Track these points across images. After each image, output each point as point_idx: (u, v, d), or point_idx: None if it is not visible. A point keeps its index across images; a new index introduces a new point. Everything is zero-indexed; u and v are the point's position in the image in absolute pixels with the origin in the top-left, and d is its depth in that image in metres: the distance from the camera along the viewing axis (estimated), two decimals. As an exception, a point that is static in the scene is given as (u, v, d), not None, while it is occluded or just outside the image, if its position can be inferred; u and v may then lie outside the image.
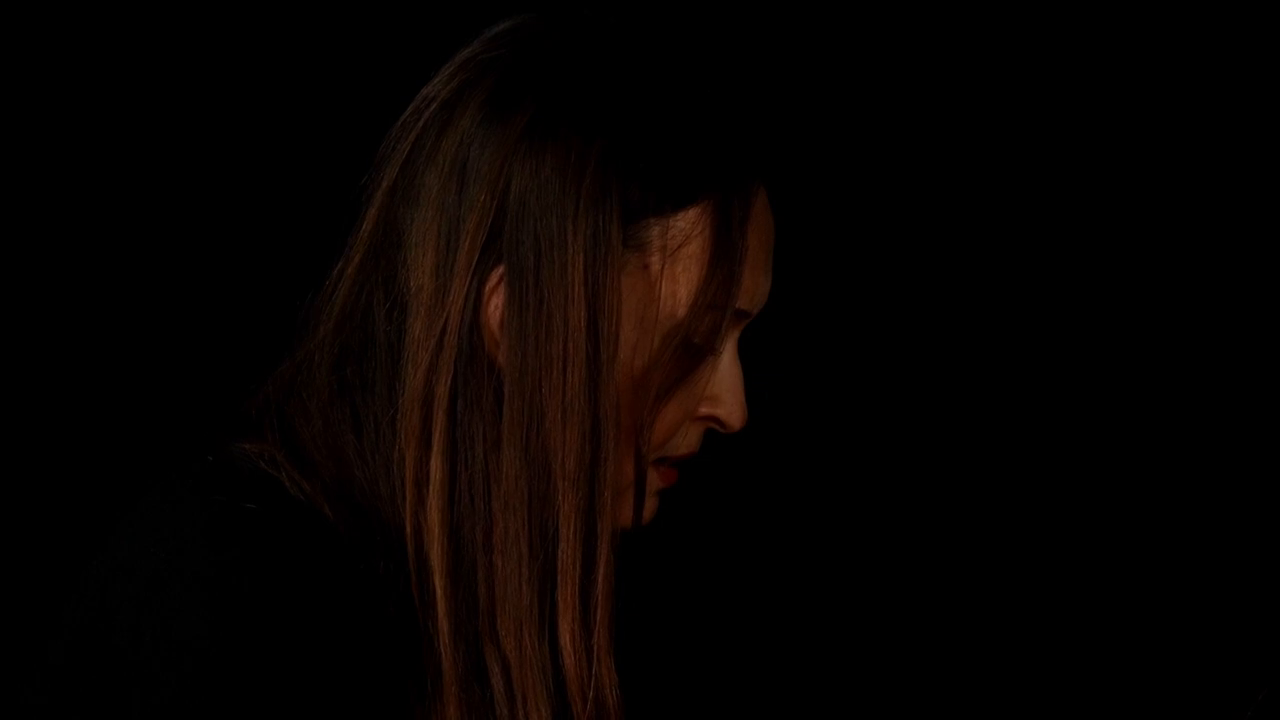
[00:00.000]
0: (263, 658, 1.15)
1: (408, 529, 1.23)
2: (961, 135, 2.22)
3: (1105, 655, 2.23)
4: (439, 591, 1.22)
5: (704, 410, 1.29)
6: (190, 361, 2.06)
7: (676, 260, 1.24)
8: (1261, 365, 2.17)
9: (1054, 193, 2.22)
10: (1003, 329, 2.25)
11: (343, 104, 1.98)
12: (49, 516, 2.03)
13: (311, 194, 1.57)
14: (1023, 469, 2.25)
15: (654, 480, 1.30)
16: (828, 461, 2.27)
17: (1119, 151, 2.20)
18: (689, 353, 1.26)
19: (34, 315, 2.06)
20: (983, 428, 2.25)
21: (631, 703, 1.26)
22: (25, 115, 2.05)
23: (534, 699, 1.22)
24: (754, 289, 1.27)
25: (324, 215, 1.31)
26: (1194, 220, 2.19)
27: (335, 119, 1.98)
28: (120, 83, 2.06)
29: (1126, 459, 2.22)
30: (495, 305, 1.23)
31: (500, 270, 1.22)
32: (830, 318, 2.25)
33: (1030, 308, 2.24)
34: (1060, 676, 2.23)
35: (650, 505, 1.31)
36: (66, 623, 1.19)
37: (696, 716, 2.19)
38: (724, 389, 1.29)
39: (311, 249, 1.32)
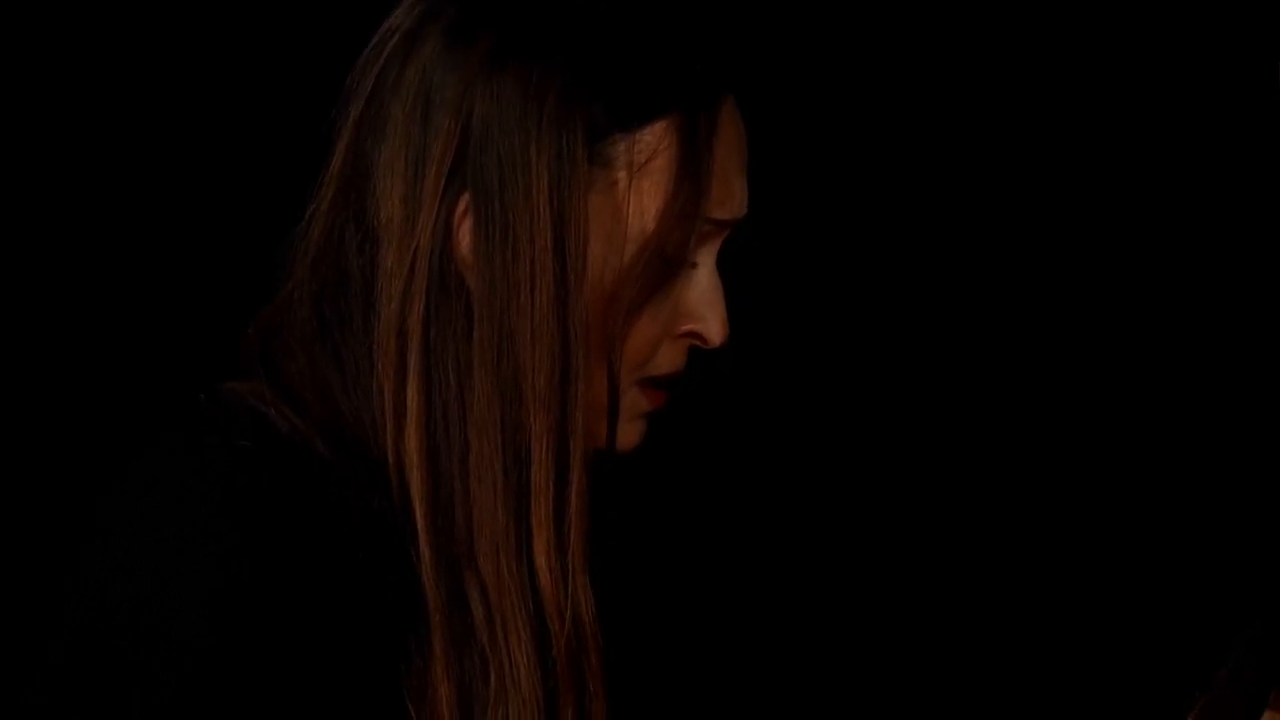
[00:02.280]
0: (264, 650, 1.16)
1: (389, 460, 1.24)
2: (962, 128, 2.23)
3: (1092, 600, 2.25)
4: (420, 521, 1.23)
5: (684, 326, 1.29)
6: (176, 310, 2.07)
7: (644, 175, 1.25)
8: (1260, 365, 2.18)
9: (1053, 188, 2.23)
10: (999, 323, 2.26)
11: (311, 40, 1.98)
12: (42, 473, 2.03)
13: (286, 136, 1.57)
14: (1013, 455, 2.27)
15: (640, 402, 1.30)
16: (811, 409, 2.28)
17: (1117, 152, 2.21)
18: (663, 266, 1.26)
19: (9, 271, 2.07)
20: (978, 418, 2.27)
21: (610, 626, 1.27)
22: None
23: (513, 622, 1.23)
24: (726, 198, 1.28)
25: (298, 157, 1.32)
26: (1193, 221, 2.20)
27: (304, 53, 1.97)
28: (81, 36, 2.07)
29: (1118, 447, 2.24)
30: (465, 231, 1.23)
31: (468, 196, 1.23)
32: (828, 309, 2.26)
33: (1027, 300, 2.25)
34: (1047, 633, 2.25)
35: (636, 429, 1.31)
36: (66, 623, 1.19)
37: (672, 638, 2.20)
38: (702, 303, 1.29)
39: (289, 190, 1.32)
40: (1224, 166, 2.17)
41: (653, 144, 1.25)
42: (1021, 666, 2.27)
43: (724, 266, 1.31)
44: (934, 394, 2.27)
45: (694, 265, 1.28)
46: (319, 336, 1.27)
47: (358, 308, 1.26)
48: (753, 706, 2.28)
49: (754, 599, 2.28)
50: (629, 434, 1.30)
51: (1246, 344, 2.19)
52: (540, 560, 1.23)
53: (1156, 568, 2.23)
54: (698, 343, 1.30)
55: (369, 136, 1.26)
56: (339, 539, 1.20)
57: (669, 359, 1.30)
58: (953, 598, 2.29)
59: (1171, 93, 2.18)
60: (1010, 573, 2.28)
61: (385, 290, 1.24)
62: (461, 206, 1.23)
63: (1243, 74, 2.10)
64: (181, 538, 1.16)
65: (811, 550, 2.29)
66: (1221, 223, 2.19)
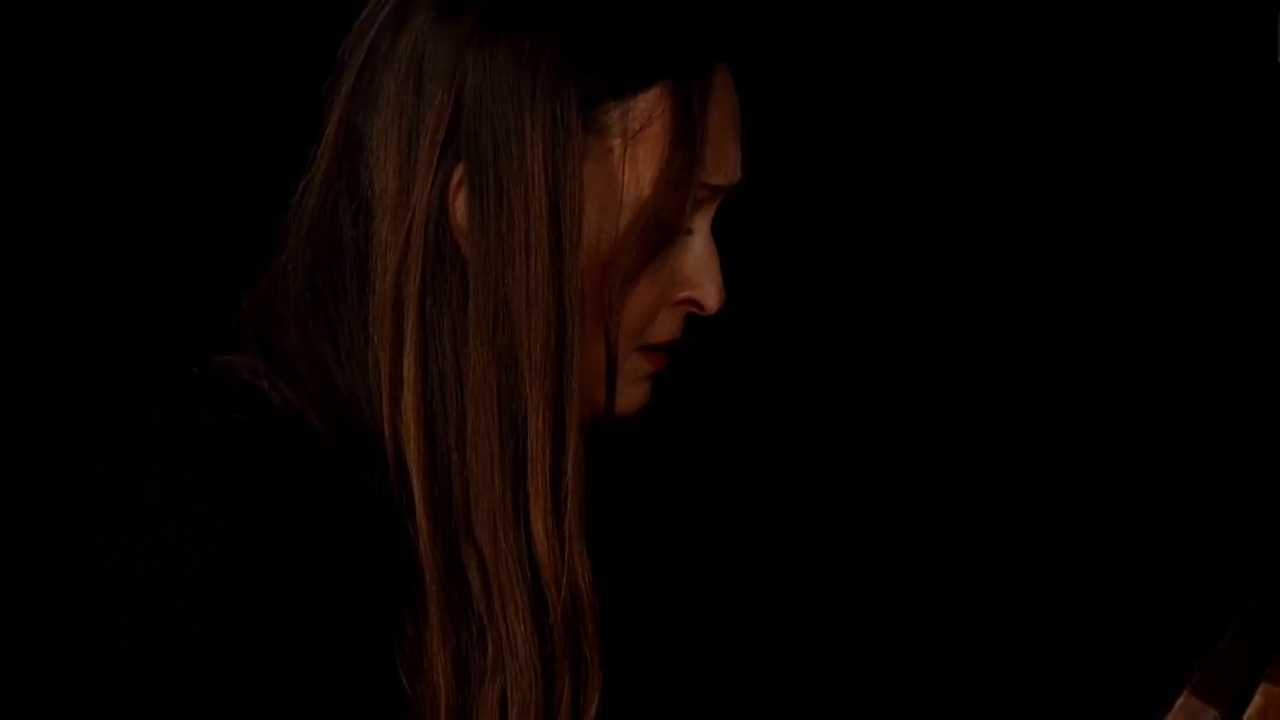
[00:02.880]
0: (263, 644, 1.16)
1: (385, 433, 1.23)
2: (957, 116, 2.23)
3: (1092, 577, 2.25)
4: (417, 493, 1.23)
5: (681, 294, 1.30)
6: (169, 284, 2.06)
7: (639, 142, 1.25)
8: (1254, 348, 2.19)
9: (1043, 173, 2.23)
10: (992, 311, 2.26)
11: (302, 12, 1.97)
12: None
13: (279, 109, 1.56)
14: (1009, 433, 2.27)
15: (641, 366, 1.31)
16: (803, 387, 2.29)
17: (1112, 144, 2.21)
18: (659, 233, 1.26)
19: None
20: (974, 401, 2.27)
21: (605, 594, 1.27)
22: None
23: (510, 591, 1.23)
24: (720, 164, 1.28)
25: (292, 131, 1.31)
26: (1179, 213, 2.20)
27: (296, 25, 1.96)
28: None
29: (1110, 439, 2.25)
30: (460, 201, 1.23)
31: (463, 165, 1.22)
32: (817, 290, 2.27)
33: (1018, 288, 2.26)
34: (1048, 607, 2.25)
35: (640, 391, 1.31)
36: (66, 622, 1.18)
37: (667, 606, 2.21)
38: (699, 270, 1.29)
39: (281, 165, 1.32)
40: (1220, 162, 2.17)
41: (647, 111, 1.25)
42: (1018, 641, 2.27)
43: (723, 250, 1.31)
44: (926, 379, 2.28)
45: (689, 232, 1.29)
46: (312, 309, 1.26)
47: (352, 280, 1.26)
48: (746, 677, 2.28)
49: (748, 571, 2.29)
50: (631, 397, 1.31)
51: (1242, 329, 2.19)
52: (537, 529, 1.23)
53: (1154, 544, 2.23)
54: (694, 309, 1.31)
55: (361, 108, 1.26)
56: (335, 517, 1.20)
57: (666, 327, 1.30)
58: (949, 576, 2.29)
59: (1168, 89, 2.18)
60: (1006, 547, 2.28)
61: (380, 261, 1.24)
62: (456, 176, 1.23)
63: (1241, 68, 2.10)
64: (180, 536, 1.16)
65: (806, 526, 2.29)
66: (1210, 216, 2.19)
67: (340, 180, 1.26)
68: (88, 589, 1.17)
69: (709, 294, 1.30)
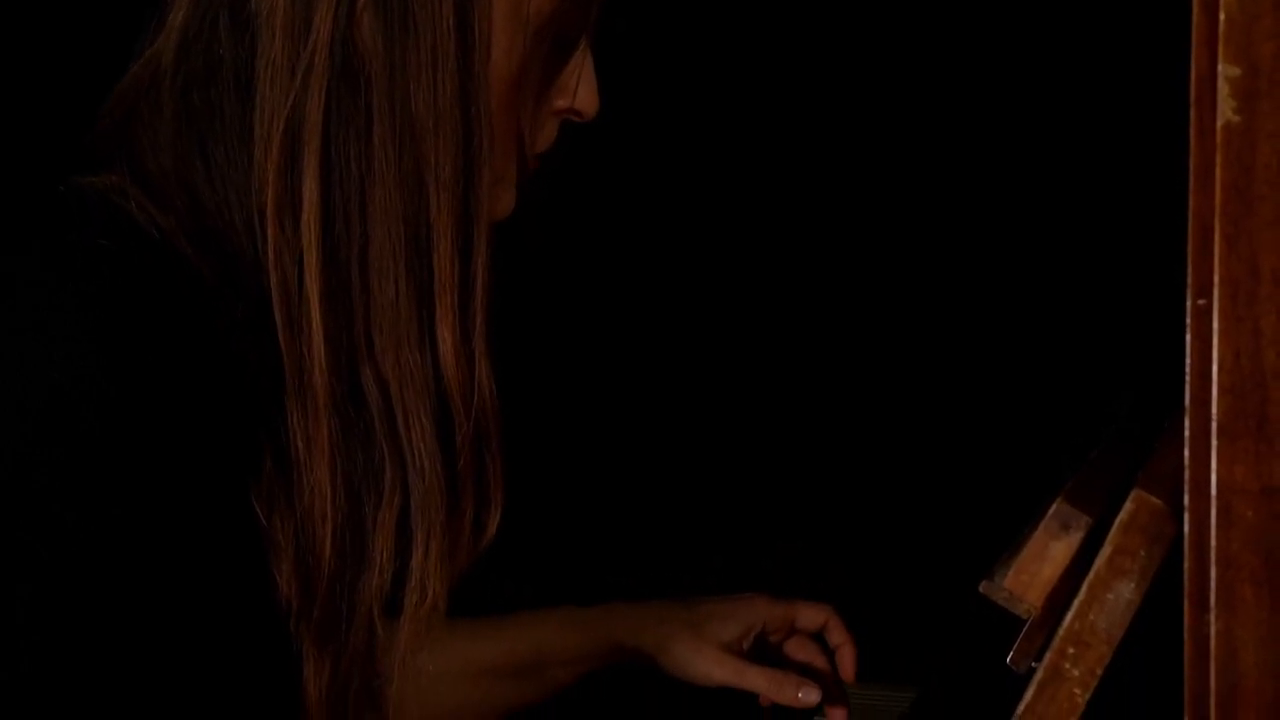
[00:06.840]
0: (129, 474, 1.15)
1: (270, 257, 1.22)
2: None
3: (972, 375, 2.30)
4: (316, 319, 1.22)
5: (561, 103, 1.32)
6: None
7: None
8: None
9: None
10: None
11: None
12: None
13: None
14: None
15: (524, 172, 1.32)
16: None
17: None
18: (559, 47, 1.28)
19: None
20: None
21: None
22: None
23: (415, 411, 1.24)
24: None
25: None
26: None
27: None
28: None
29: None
30: (365, 21, 1.22)
31: None
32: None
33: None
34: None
35: (515, 196, 1.33)
36: None
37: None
38: (581, 79, 1.31)
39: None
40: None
41: None
42: (894, 459, 2.32)
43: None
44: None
45: (580, 43, 1.30)
46: (185, 129, 1.25)
47: (230, 99, 1.24)
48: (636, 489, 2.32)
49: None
50: (509, 203, 1.32)
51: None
52: (446, 347, 1.24)
53: (1030, 351, 2.28)
54: (574, 117, 1.33)
55: None
56: (204, 332, 1.20)
57: (547, 136, 1.33)
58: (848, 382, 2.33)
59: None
60: (886, 355, 2.33)
61: (271, 81, 1.22)
62: (361, 1, 1.22)
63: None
64: (48, 365, 1.14)
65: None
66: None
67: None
68: None
69: (589, 101, 1.32)
